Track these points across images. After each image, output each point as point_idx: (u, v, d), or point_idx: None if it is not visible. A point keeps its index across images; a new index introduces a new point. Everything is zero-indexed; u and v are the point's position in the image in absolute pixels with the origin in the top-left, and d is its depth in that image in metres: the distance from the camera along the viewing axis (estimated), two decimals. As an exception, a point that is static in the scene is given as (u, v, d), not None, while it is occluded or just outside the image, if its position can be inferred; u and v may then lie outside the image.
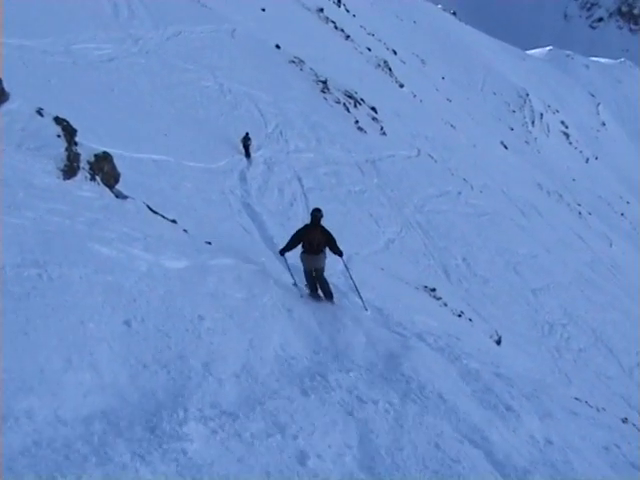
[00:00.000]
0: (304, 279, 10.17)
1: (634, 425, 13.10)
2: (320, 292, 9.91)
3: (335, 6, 64.65)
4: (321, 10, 54.30)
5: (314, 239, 9.71)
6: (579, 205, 35.92)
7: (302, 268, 10.06)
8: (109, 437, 4.42)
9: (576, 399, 12.58)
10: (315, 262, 9.79)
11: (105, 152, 10.81)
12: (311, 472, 5.02)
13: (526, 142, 54.72)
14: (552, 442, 7.45)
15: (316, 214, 9.74)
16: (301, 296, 9.67)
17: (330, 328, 8.45)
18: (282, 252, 10.11)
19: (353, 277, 10.93)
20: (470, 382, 8.23)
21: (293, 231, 10.22)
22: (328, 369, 7.10)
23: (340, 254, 9.90)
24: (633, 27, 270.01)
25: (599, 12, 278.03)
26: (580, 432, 8.49)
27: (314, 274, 9.88)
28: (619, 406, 15.80)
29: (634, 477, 7.69)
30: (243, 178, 18.19)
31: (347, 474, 5.15)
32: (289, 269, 10.40)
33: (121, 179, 10.93)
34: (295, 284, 10.25)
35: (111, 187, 10.45)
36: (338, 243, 9.92)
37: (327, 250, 9.80)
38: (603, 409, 13.16)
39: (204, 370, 5.87)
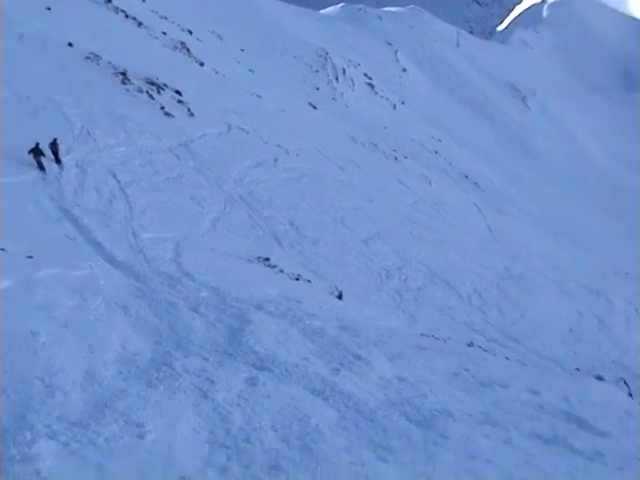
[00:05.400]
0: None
1: (479, 347, 13.69)
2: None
3: (122, -6, 63.18)
4: (109, 1, 52.96)
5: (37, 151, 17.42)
6: (394, 151, 36.85)
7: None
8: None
9: (422, 335, 13.00)
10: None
11: None
12: (171, 463, 4.99)
13: (333, 99, 55.55)
14: (405, 379, 7.67)
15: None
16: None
17: (168, 316, 8.36)
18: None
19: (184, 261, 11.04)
20: (316, 340, 8.36)
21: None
22: (173, 357, 7.03)
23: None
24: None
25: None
26: (429, 365, 8.77)
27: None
28: (464, 333, 16.43)
29: (484, 395, 8.02)
30: (57, 184, 17.66)
31: (206, 457, 5.15)
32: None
33: None
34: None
35: None
36: None
37: None
38: (449, 338, 13.65)
39: (45, 386, 5.70)
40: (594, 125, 79.03)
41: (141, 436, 5.27)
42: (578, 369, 16.20)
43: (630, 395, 13.23)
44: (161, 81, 31.56)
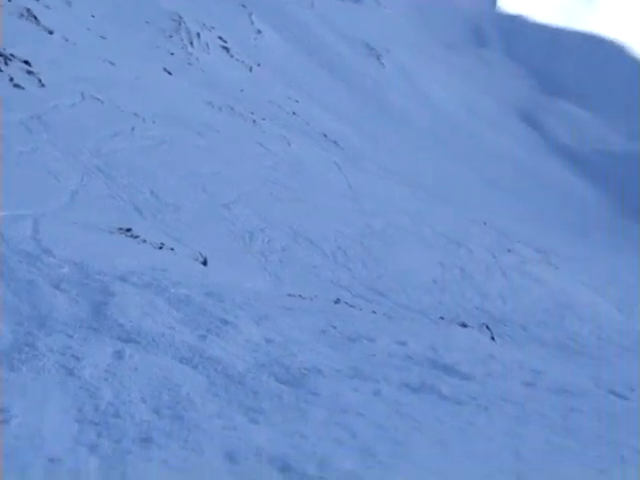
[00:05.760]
0: None
1: (346, 303, 13.96)
2: None
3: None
4: (-58, -31, 50.50)
5: None
6: (252, 113, 36.52)
7: None
8: None
9: (289, 295, 13.15)
10: None
11: None
12: (40, 446, 4.89)
13: (189, 64, 54.55)
14: (272, 341, 7.77)
15: None
16: None
17: (28, 296, 8.12)
18: None
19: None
20: (182, 308, 8.32)
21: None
22: (35, 337, 6.82)
23: None
24: None
25: None
26: (297, 324, 8.91)
27: None
28: (330, 290, 16.66)
29: (353, 350, 8.22)
30: None
31: (75, 436, 5.07)
32: None
33: None
34: None
35: None
36: None
37: None
38: (315, 297, 13.84)
39: None
40: (449, 81, 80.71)
41: (6, 421, 5.12)
42: (443, 318, 16.73)
43: (493, 339, 13.82)
44: (8, 52, 30.38)
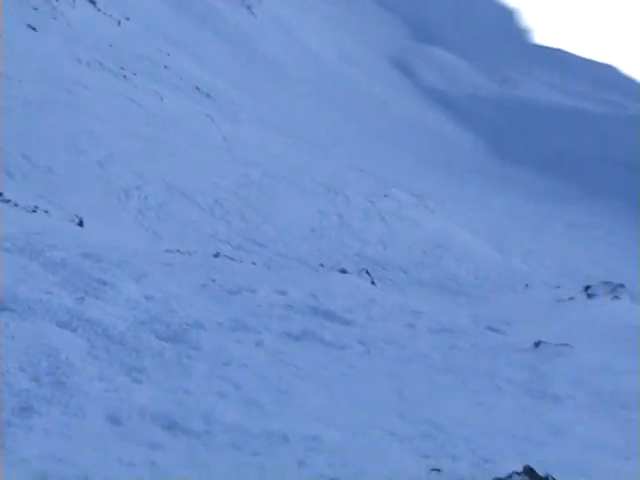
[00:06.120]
0: None
1: (226, 256, 14.00)
2: None
3: None
4: None
5: None
6: (122, 69, 35.73)
7: None
8: None
9: (167, 251, 13.07)
10: None
11: None
12: None
13: (54, 18, 52.69)
14: (152, 298, 7.73)
15: None
16: None
17: None
18: None
19: None
20: (57, 272, 8.11)
21: None
22: None
23: None
24: None
25: None
26: (176, 280, 8.90)
27: None
28: (209, 244, 16.67)
29: (233, 302, 8.28)
30: None
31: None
32: None
33: None
34: None
35: None
36: None
37: None
38: (195, 252, 13.82)
39: None
40: (322, 30, 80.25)
41: None
42: (322, 265, 16.95)
43: (373, 283, 14.12)
44: None
